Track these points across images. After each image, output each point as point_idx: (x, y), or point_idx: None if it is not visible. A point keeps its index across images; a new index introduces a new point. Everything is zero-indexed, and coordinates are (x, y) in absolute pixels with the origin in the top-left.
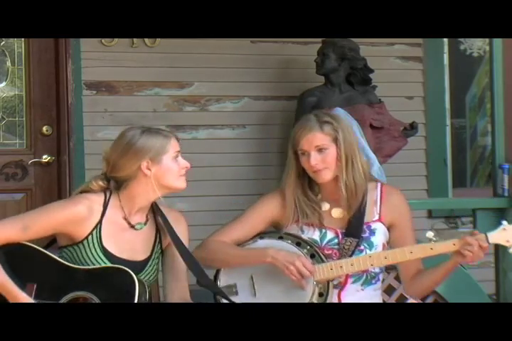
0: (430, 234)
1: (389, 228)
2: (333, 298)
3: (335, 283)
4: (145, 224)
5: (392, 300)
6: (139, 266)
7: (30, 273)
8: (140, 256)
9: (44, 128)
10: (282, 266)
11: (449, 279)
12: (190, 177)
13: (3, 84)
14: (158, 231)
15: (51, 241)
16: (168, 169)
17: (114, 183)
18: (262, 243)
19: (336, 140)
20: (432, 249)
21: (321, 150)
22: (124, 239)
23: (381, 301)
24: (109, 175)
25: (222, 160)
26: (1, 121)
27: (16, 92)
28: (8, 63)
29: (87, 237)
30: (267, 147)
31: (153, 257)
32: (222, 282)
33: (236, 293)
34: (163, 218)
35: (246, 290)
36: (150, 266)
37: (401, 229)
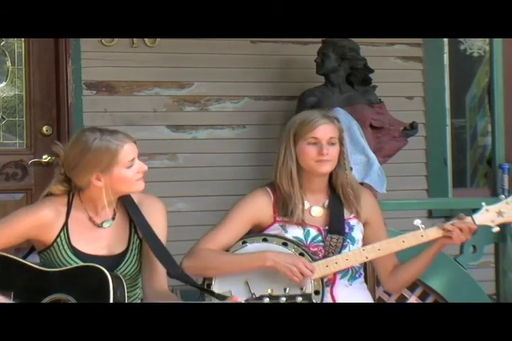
0: (418, 222)
1: (364, 225)
2: (326, 296)
3: (324, 280)
4: (113, 219)
5: (392, 300)
6: (116, 260)
7: (5, 282)
8: (117, 249)
9: (44, 128)
10: (285, 268)
11: (449, 279)
12: (190, 177)
13: (3, 84)
14: (131, 221)
15: (32, 248)
16: (119, 179)
17: (75, 184)
18: (250, 248)
19: (341, 139)
20: (422, 236)
21: (331, 143)
22: (96, 238)
23: (368, 292)
24: (68, 175)
25: (222, 160)
26: (1, 121)
27: (16, 92)
28: (8, 63)
29: (55, 240)
30: (267, 147)
31: (131, 248)
32: (215, 290)
33: None
34: (131, 208)
35: (243, 296)
36: (129, 257)
37: (374, 225)
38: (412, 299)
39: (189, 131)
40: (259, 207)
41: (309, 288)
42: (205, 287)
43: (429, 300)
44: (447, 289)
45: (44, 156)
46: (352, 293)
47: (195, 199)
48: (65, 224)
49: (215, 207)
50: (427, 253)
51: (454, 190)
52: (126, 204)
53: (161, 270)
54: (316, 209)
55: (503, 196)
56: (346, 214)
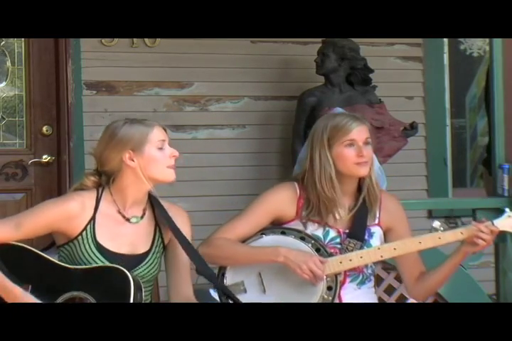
0: (437, 224)
1: (386, 232)
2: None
3: (339, 279)
4: (141, 218)
5: (392, 300)
6: (138, 259)
7: (25, 274)
8: (140, 249)
9: (44, 128)
10: (295, 265)
11: (449, 279)
12: (190, 177)
13: (3, 84)
14: (157, 225)
15: (51, 244)
16: (151, 159)
17: (105, 178)
18: (267, 239)
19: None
20: (440, 238)
21: (367, 143)
22: (121, 234)
23: (376, 297)
24: (100, 169)
25: (222, 160)
26: (1, 121)
27: (16, 92)
28: (8, 63)
29: (81, 233)
30: (267, 147)
31: (153, 251)
32: (228, 280)
33: (244, 291)
34: (162, 211)
35: (255, 288)
36: (150, 259)
37: (398, 232)
38: (412, 299)
39: (189, 131)
40: (283, 201)
41: (321, 285)
42: (220, 276)
43: (429, 300)
44: (447, 289)
45: (44, 156)
46: (359, 296)
47: (195, 199)
48: (93, 218)
49: (215, 207)
50: (450, 263)
51: (454, 190)
52: (156, 207)
53: (186, 277)
54: (340, 212)
55: None
56: (369, 221)
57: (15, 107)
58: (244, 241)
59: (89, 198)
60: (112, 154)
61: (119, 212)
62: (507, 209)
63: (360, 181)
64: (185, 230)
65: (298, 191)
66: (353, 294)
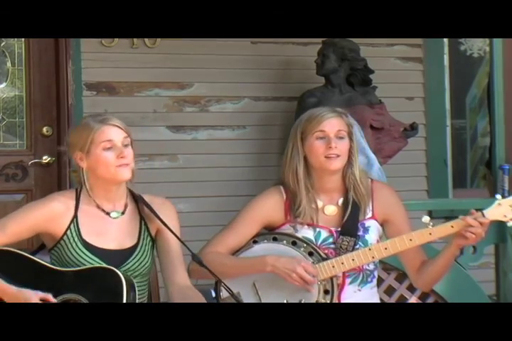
0: (426, 219)
1: (383, 224)
2: (333, 300)
3: (335, 282)
4: (123, 213)
5: (392, 301)
6: (126, 254)
7: (18, 279)
8: (126, 243)
9: (44, 129)
10: (284, 274)
11: (449, 279)
12: (190, 177)
13: (4, 85)
14: (142, 218)
15: (40, 247)
16: (97, 160)
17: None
18: (257, 248)
19: (350, 133)
20: (430, 234)
21: (339, 137)
22: (105, 229)
23: (379, 299)
24: None
25: (222, 161)
26: (1, 121)
27: (16, 93)
28: (8, 64)
29: (65, 233)
30: (267, 148)
31: (141, 244)
32: (224, 291)
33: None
34: (146, 205)
35: (250, 298)
36: (139, 252)
37: (396, 223)
38: (412, 299)
39: (189, 131)
40: (271, 207)
41: (315, 290)
42: (216, 287)
43: (429, 300)
44: (447, 290)
45: (44, 157)
46: (360, 300)
47: (195, 200)
48: (75, 216)
49: (215, 208)
50: (445, 255)
51: (454, 190)
52: (139, 202)
53: (180, 265)
54: (329, 208)
55: None
56: (362, 215)
57: (15, 108)
58: (236, 251)
59: (70, 198)
60: (71, 154)
61: (99, 207)
62: (497, 197)
63: (344, 179)
64: (172, 221)
65: (284, 194)
66: (354, 298)
